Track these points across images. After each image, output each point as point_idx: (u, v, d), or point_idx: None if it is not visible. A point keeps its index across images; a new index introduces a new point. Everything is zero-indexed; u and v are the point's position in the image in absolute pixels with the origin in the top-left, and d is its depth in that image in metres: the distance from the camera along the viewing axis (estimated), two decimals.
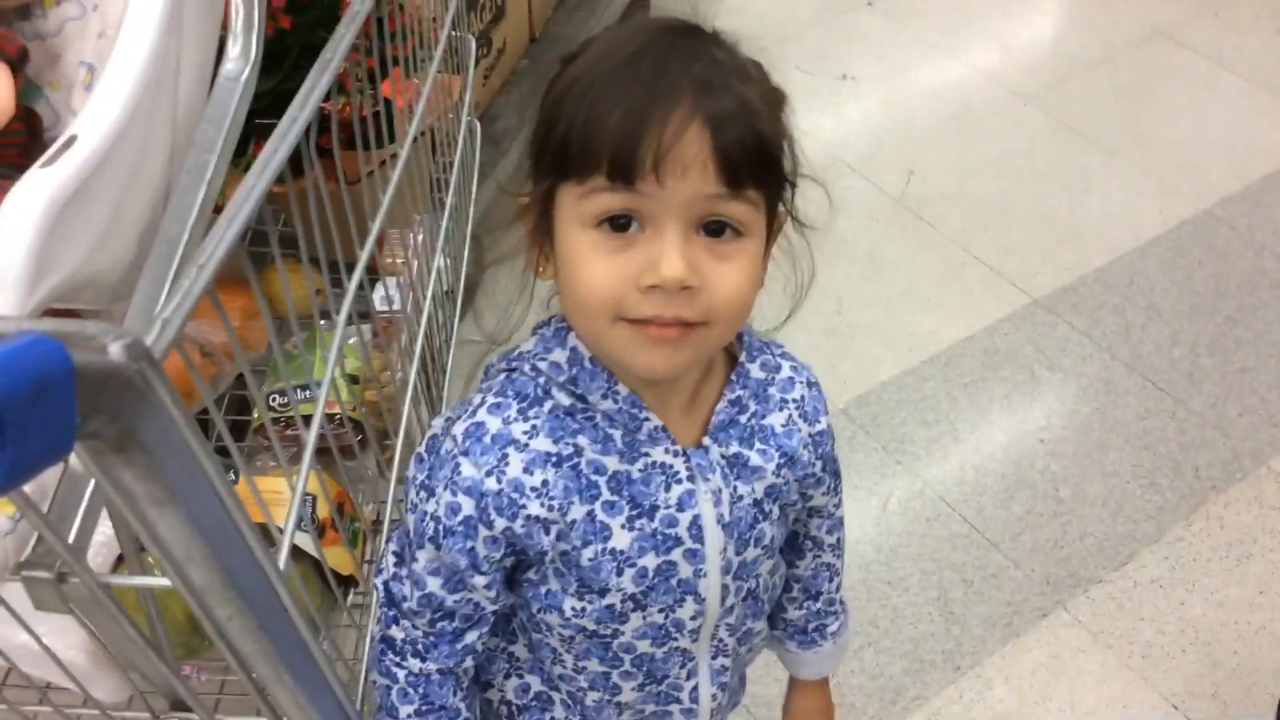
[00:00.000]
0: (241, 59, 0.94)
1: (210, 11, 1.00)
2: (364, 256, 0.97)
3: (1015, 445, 2.05)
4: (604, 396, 0.79)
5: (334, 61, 0.79)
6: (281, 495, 1.13)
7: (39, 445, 0.40)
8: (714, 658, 0.92)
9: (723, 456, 0.84)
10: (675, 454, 0.81)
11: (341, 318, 0.90)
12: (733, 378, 0.85)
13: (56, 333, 0.42)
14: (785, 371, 0.89)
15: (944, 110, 2.78)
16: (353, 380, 1.29)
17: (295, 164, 1.40)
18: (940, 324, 2.26)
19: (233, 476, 1.22)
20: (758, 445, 0.85)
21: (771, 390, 0.87)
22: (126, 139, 0.81)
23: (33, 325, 0.42)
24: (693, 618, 0.86)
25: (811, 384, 0.90)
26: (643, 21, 0.79)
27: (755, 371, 0.87)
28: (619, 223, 0.71)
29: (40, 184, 0.72)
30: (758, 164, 0.72)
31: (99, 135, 0.76)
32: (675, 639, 0.87)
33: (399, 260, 1.26)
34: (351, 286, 0.93)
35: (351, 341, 1.29)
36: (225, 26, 0.98)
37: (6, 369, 0.38)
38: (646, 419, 0.80)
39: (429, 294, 1.24)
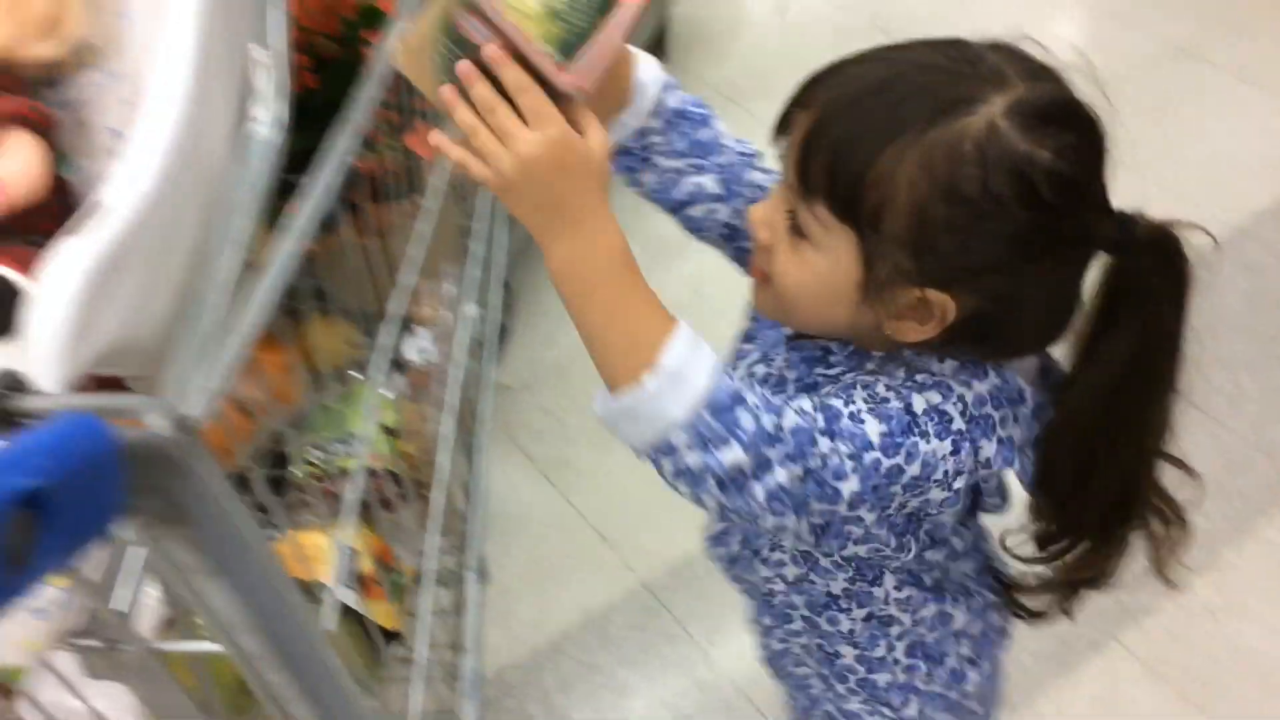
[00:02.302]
0: (270, 121, 0.94)
1: (236, 74, 1.01)
2: (397, 310, 0.97)
3: None
4: None
5: (358, 120, 0.79)
6: (324, 551, 1.13)
7: (89, 524, 0.39)
8: None
9: None
10: None
11: (378, 372, 0.89)
12: None
13: (98, 410, 0.42)
14: None
15: None
16: (389, 433, 1.29)
17: (325, 220, 1.41)
18: None
19: (276, 534, 1.22)
20: None
21: None
22: (157, 204, 0.82)
23: (74, 404, 0.42)
24: None
25: None
26: (955, 41, 0.78)
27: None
28: None
29: (72, 254, 0.72)
30: (833, 180, 0.74)
31: (128, 202, 0.76)
32: None
33: (431, 311, 1.26)
34: (387, 340, 0.93)
35: (389, 395, 1.29)
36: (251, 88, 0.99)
37: (51, 452, 0.37)
38: None
39: (462, 343, 1.24)
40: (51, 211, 0.92)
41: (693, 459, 0.72)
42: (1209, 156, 2.65)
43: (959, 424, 0.77)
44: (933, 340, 0.78)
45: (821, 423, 0.74)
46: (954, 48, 0.76)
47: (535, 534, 1.93)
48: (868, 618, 0.96)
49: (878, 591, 0.94)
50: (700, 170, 0.92)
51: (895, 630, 0.97)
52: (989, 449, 0.79)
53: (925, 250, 0.74)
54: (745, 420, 0.72)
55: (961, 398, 0.78)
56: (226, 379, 0.54)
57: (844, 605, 0.96)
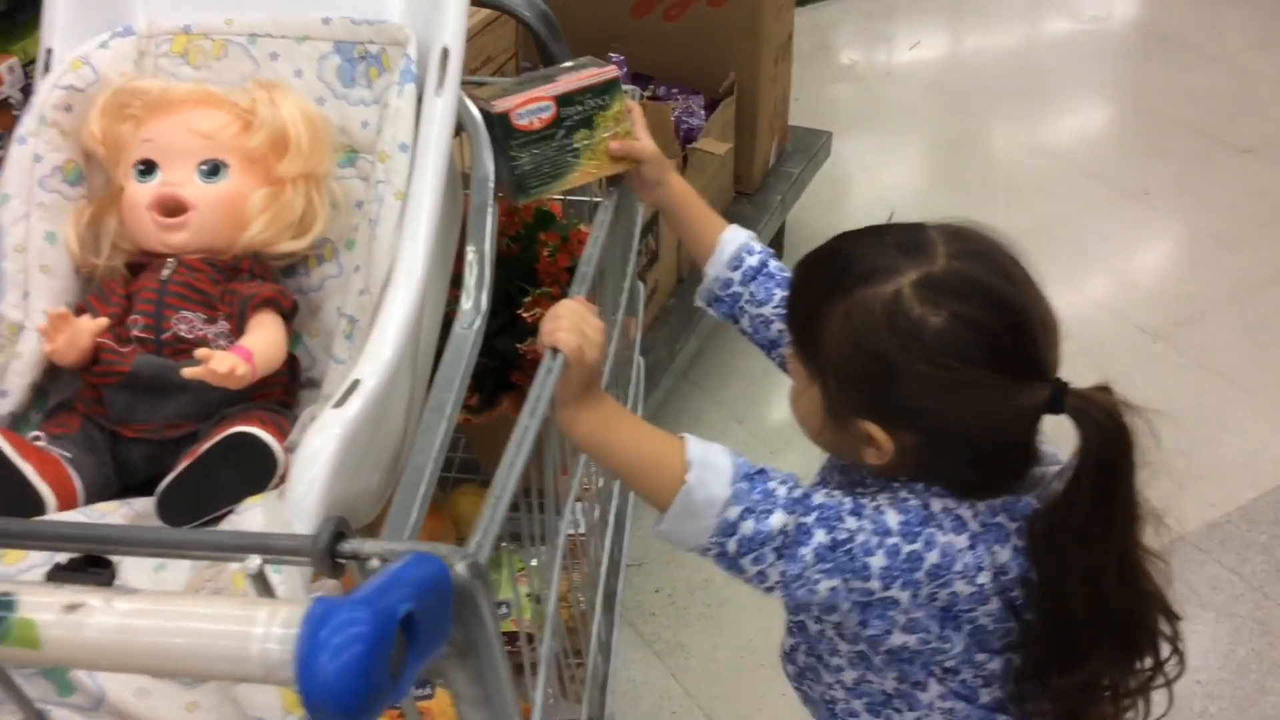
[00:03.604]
0: (473, 311, 1.05)
1: (444, 271, 1.15)
2: (574, 487, 1.07)
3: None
4: None
5: None
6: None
7: (432, 647, 0.48)
8: None
9: None
10: None
11: (560, 540, 0.98)
12: None
13: (435, 552, 0.51)
14: None
15: (1074, 347, 2.82)
16: (535, 600, 1.36)
17: (489, 399, 1.52)
18: None
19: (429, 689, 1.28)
20: None
21: None
22: (389, 382, 0.93)
23: (417, 547, 0.52)
24: None
25: None
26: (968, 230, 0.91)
27: None
28: None
29: (334, 422, 0.83)
30: (793, 327, 0.94)
31: (377, 380, 0.88)
32: None
33: (584, 485, 1.36)
34: (566, 513, 1.03)
35: (533, 563, 1.37)
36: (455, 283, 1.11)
37: (415, 583, 0.47)
38: None
39: (611, 519, 1.33)
40: (284, 383, 1.05)
41: (748, 528, 0.85)
42: None
43: (973, 526, 0.88)
44: (890, 467, 0.89)
45: (849, 505, 0.87)
46: (907, 229, 0.90)
47: (645, 715, 1.96)
48: None
49: (922, 695, 0.99)
50: (783, 319, 1.06)
51: None
52: (1004, 555, 0.88)
53: (853, 390, 0.88)
54: (778, 488, 0.87)
55: (973, 504, 0.89)
56: (492, 536, 0.63)
57: (897, 705, 1.01)
